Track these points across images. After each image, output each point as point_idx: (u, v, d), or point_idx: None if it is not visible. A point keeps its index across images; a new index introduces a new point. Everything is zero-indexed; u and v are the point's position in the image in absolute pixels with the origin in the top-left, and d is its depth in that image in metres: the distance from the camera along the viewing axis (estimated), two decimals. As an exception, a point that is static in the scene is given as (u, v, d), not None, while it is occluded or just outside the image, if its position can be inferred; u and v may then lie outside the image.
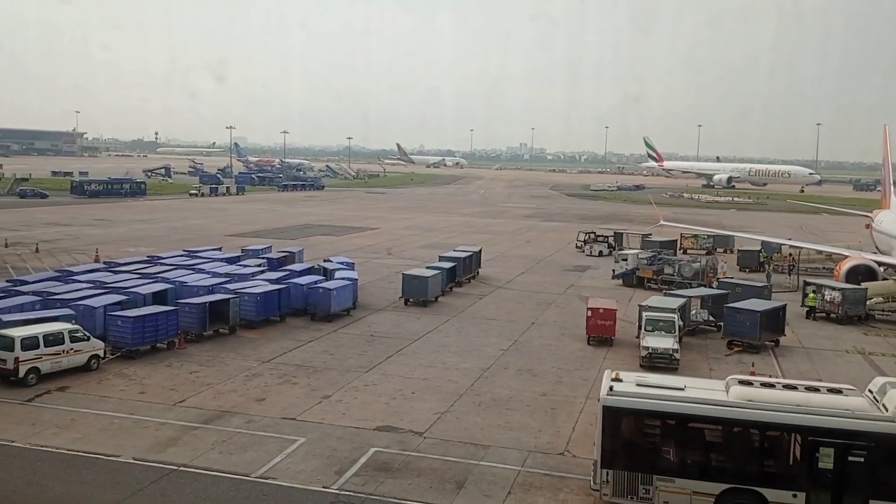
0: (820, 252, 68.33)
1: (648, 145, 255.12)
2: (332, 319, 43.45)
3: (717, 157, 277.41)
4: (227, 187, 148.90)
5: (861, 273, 53.32)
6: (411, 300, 48.83)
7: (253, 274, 48.61)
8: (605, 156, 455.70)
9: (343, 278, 47.09)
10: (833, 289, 48.70)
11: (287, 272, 49.62)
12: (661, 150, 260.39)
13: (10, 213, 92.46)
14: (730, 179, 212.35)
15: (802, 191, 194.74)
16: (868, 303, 48.44)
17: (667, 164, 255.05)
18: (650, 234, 76.54)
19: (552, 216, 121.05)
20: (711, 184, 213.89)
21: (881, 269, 55.63)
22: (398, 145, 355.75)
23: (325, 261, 55.27)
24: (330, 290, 43.88)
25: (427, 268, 52.83)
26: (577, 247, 79.18)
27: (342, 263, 53.13)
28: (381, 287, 53.96)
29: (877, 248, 68.69)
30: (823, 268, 64.76)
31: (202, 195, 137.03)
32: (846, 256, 58.51)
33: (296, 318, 43.70)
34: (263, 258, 55.22)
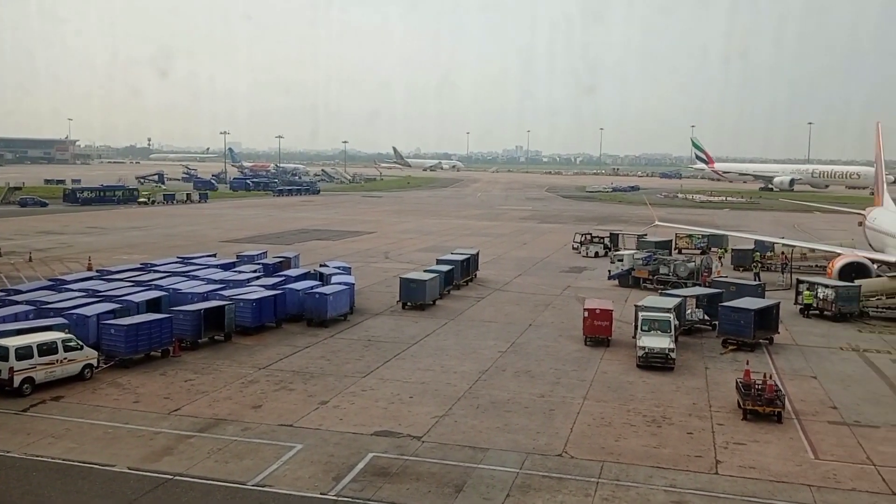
0: (813, 250, 68.42)
1: (697, 146, 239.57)
2: (329, 325, 43.32)
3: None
4: (188, 194, 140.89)
5: (854, 270, 53.44)
6: (409, 304, 48.73)
7: (248, 280, 48.43)
8: (601, 157, 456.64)
9: (340, 283, 46.96)
10: (826, 286, 48.74)
11: (283, 278, 49.48)
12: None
13: (3, 223, 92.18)
14: (792, 182, 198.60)
15: (873, 193, 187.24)
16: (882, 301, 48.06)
17: (719, 165, 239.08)
18: (645, 235, 76.62)
19: (549, 218, 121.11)
20: (771, 186, 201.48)
21: (874, 266, 55.77)
22: (394, 149, 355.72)
23: (321, 265, 55.14)
24: (326, 295, 43.77)
25: (425, 271, 52.75)
26: (573, 248, 79.23)
27: (339, 268, 53.03)
28: (379, 291, 53.86)
29: (870, 245, 68.91)
30: (816, 266, 64.85)
31: (153, 203, 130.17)
32: (839, 254, 58.65)
33: (292, 324, 43.55)
34: (259, 264, 55.07)
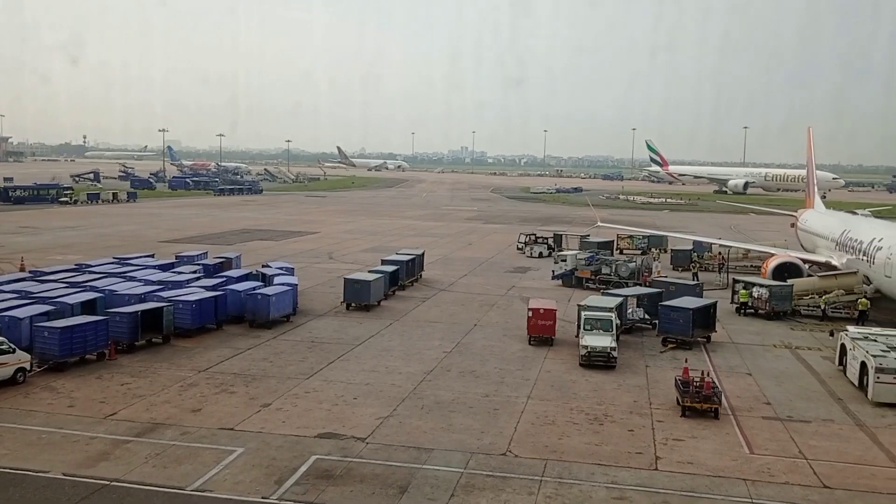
0: (748, 251, 70.48)
1: (651, 149, 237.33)
2: (272, 326, 42.71)
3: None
4: (115, 193, 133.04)
5: (787, 270, 55.28)
6: (353, 305, 48.40)
7: (188, 281, 47.41)
8: (545, 159, 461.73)
9: (282, 284, 46.37)
10: (761, 286, 50.24)
11: (224, 278, 48.61)
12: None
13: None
14: (746, 185, 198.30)
15: (825, 196, 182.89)
16: (825, 297, 49.78)
17: (673, 168, 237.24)
18: (588, 236, 77.86)
19: (494, 218, 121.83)
20: (725, 189, 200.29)
21: (806, 265, 57.79)
22: (339, 148, 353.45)
23: (263, 266, 54.43)
24: (269, 295, 43.15)
25: (369, 272, 52.44)
26: (518, 248, 79.87)
27: (281, 269, 52.36)
28: (323, 292, 53.37)
29: (802, 246, 71.48)
30: (751, 266, 66.81)
31: (75, 203, 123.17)
32: (773, 254, 60.59)
33: (233, 326, 42.79)
34: (199, 264, 54.00)
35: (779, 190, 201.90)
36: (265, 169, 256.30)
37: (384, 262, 56.44)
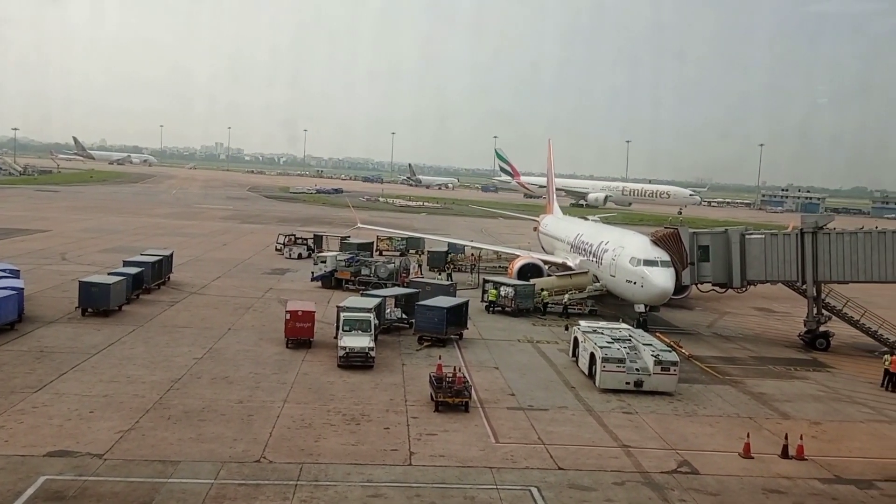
0: (497, 254, 75.29)
1: (501, 157, 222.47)
2: (-10, 335, 37.75)
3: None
4: None
5: (530, 271, 60.04)
6: (90, 310, 44.27)
7: None
8: (305, 159, 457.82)
9: (5, 287, 41.18)
10: (507, 285, 53.89)
11: (-72, 282, 42.06)
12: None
13: None
14: (606, 199, 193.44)
15: (680, 213, 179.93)
16: (544, 294, 54.26)
17: (525, 179, 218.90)
18: (348, 237, 78.33)
19: (251, 218, 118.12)
20: (583, 202, 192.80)
21: (546, 266, 63.15)
22: (75, 139, 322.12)
23: (-20, 268, 47.95)
24: (-14, 301, 38.06)
25: (109, 274, 48.42)
26: (276, 249, 78.18)
27: (4, 271, 46.55)
28: (54, 297, 48.22)
29: (543, 248, 77.97)
30: (499, 266, 71.48)
31: None
32: (519, 256, 65.41)
33: (-60, 336, 37.20)
34: None
35: (629, 204, 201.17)
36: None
37: (126, 264, 52.39)
